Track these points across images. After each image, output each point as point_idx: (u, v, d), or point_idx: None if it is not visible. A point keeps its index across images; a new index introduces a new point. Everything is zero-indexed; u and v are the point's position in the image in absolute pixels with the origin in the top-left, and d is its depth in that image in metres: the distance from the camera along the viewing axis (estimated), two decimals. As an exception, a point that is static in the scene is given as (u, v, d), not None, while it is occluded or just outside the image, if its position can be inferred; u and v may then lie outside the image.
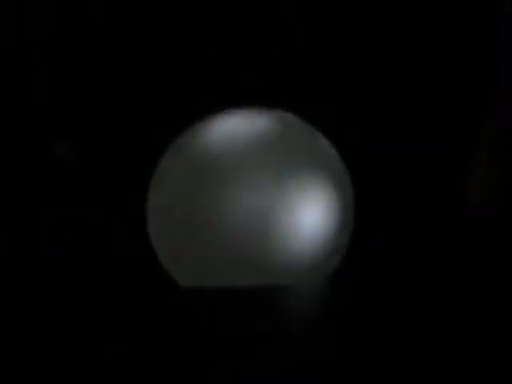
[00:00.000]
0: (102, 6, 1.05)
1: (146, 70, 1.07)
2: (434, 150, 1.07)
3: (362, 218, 0.95)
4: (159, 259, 0.92)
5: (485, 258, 0.96)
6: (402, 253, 1.01)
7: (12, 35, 1.04)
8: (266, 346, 0.79)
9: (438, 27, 1.06)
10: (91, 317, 0.84)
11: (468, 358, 0.77)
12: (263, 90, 1.04)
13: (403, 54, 1.06)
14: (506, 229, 0.99)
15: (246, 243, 0.86)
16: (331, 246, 0.90)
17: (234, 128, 0.89)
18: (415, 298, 0.87)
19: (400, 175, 1.06)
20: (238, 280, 0.87)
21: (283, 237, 0.87)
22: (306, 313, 0.84)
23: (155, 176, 0.92)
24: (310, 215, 0.88)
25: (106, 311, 0.85)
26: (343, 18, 1.06)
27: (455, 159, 1.06)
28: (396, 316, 0.83)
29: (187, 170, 0.88)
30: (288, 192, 0.87)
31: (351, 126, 1.05)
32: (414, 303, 0.86)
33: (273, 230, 0.86)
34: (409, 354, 0.78)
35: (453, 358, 0.77)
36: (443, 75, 1.06)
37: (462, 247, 1.00)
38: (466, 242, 1.00)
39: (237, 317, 0.84)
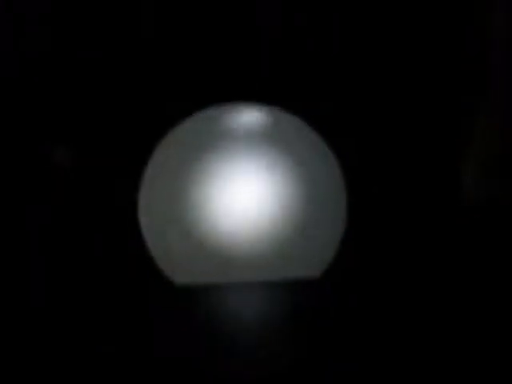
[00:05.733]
0: (98, 7, 1.05)
1: (136, 68, 1.07)
2: (428, 145, 1.07)
3: (356, 213, 0.95)
4: (153, 257, 0.92)
5: (482, 249, 0.97)
6: (396, 248, 1.01)
7: (11, 39, 1.05)
8: (262, 342, 0.79)
9: (431, 28, 1.06)
10: (87, 316, 0.84)
11: (468, 359, 0.77)
12: (255, 87, 1.04)
13: (397, 52, 1.06)
14: (499, 220, 0.99)
15: (240, 240, 0.86)
16: (326, 241, 0.90)
17: (225, 124, 0.89)
18: (411, 295, 0.87)
19: (394, 170, 1.06)
20: (232, 277, 0.87)
21: (277, 233, 0.87)
22: (300, 309, 0.84)
23: (146, 174, 0.92)
24: (303, 210, 0.87)
25: (101, 310, 0.85)
26: (339, 19, 1.06)
27: (450, 153, 1.06)
28: (392, 313, 0.83)
29: (179, 166, 0.88)
30: (282, 188, 0.87)
31: (343, 120, 1.05)
32: (411, 301, 0.86)
33: (267, 227, 0.86)
34: (407, 350, 0.78)
35: (452, 359, 0.77)
36: (436, 70, 1.06)
37: (458, 242, 1.00)
38: (461, 236, 1.00)
39: (232, 313, 0.84)
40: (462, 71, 1.05)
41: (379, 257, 0.99)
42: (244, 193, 0.86)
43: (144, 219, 0.92)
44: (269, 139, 0.88)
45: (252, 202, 0.86)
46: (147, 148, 0.93)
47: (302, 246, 0.88)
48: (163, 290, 0.90)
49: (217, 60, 1.06)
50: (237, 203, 0.86)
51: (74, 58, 1.05)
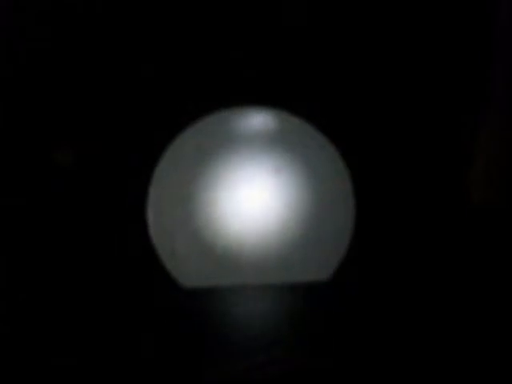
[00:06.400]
0: (101, 7, 1.06)
1: (143, 70, 1.07)
2: (434, 148, 1.07)
3: (364, 217, 0.95)
4: (161, 260, 0.92)
5: (488, 253, 0.97)
6: (404, 252, 1.01)
7: (12, 40, 1.05)
8: (269, 345, 0.79)
9: (432, 27, 1.06)
10: (93, 317, 0.84)
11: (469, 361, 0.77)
12: (261, 90, 1.04)
13: (400, 53, 1.06)
14: (506, 223, 0.99)
15: (248, 243, 0.86)
16: (333, 244, 0.90)
17: (232, 127, 0.89)
18: (419, 298, 0.87)
19: (401, 173, 1.06)
20: (239, 280, 0.87)
21: (285, 236, 0.87)
22: (308, 312, 0.84)
23: (155, 176, 0.92)
24: (311, 214, 0.87)
25: (108, 311, 0.86)
26: (340, 20, 1.06)
27: (455, 156, 1.06)
28: (400, 316, 0.83)
29: (187, 169, 0.88)
30: (289, 191, 0.87)
31: (350, 124, 1.05)
32: (419, 303, 0.86)
33: (275, 230, 0.86)
34: (414, 352, 0.78)
35: (452, 359, 0.77)
36: (439, 73, 1.06)
37: (464, 243, 1.00)
38: (467, 239, 1.00)
39: (239, 316, 0.84)
40: (467, 76, 1.05)
41: (387, 260, 0.99)
42: (252, 196, 0.86)
43: (152, 221, 0.92)
44: (277, 143, 0.88)
45: (260, 205, 0.86)
46: (156, 151, 0.93)
47: (310, 249, 0.88)
48: (170, 293, 0.90)
49: (225, 63, 1.06)
50: (245, 206, 0.86)
51: (83, 58, 1.06)
